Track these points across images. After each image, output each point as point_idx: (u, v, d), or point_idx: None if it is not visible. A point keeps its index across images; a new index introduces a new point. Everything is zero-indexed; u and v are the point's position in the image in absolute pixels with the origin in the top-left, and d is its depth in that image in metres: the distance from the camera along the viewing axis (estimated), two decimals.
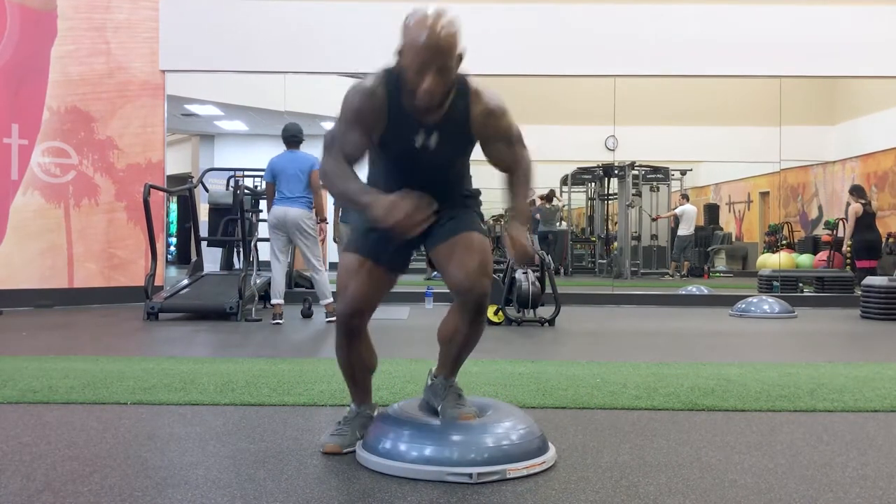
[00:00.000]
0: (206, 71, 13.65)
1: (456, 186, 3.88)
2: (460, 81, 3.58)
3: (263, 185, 10.40)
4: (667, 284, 18.36)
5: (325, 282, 9.97)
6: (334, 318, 9.77)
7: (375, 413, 4.00)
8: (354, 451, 3.77)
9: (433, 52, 3.32)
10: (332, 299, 9.96)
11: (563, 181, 21.09)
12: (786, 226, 19.61)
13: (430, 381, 3.99)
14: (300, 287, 12.16)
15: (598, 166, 19.63)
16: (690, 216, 19.41)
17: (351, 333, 3.77)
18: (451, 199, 3.80)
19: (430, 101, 3.43)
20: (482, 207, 4.04)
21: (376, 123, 3.59)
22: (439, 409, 3.80)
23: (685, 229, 19.30)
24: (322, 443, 3.89)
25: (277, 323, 9.84)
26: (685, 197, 19.90)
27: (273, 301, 10.04)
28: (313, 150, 10.08)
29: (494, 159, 3.79)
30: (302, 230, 9.71)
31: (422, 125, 3.57)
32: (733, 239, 21.17)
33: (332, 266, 10.87)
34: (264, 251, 11.69)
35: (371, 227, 3.63)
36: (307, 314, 10.45)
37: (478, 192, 3.92)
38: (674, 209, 19.97)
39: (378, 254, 3.74)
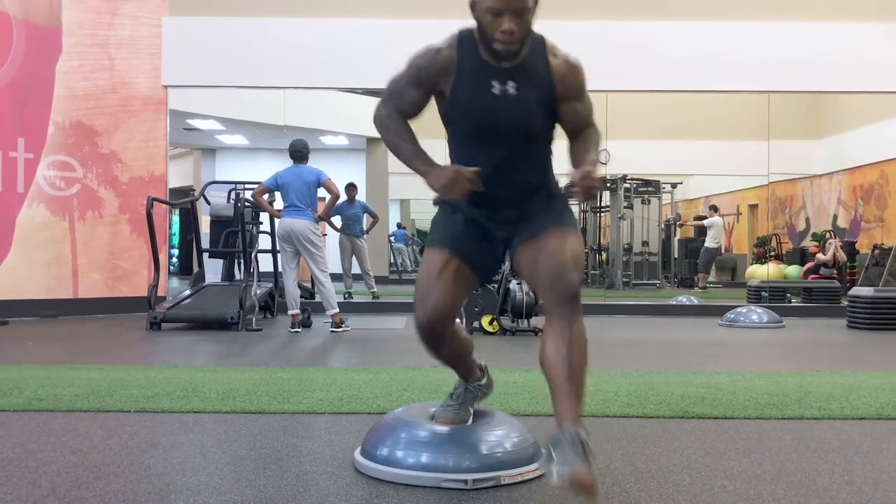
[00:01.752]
0: (208, 86, 13.67)
1: (543, 175, 3.55)
2: (537, 35, 3.42)
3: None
4: (658, 295, 18.35)
5: (331, 293, 10.00)
6: (339, 329, 9.87)
7: (485, 380, 3.95)
8: (467, 420, 3.75)
9: None
10: (337, 309, 10.02)
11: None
12: (774, 237, 19.62)
13: (551, 433, 3.16)
14: (301, 297, 12.19)
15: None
16: (719, 228, 19.33)
17: (434, 340, 3.53)
18: (537, 190, 3.52)
19: (510, 45, 3.25)
20: None
21: (440, 78, 3.41)
22: (553, 465, 3.01)
23: (713, 241, 19.15)
24: (434, 414, 3.76)
25: (296, 331, 9.88)
26: (714, 209, 19.80)
27: (290, 311, 10.05)
28: (315, 163, 10.15)
29: (570, 119, 3.52)
30: (308, 240, 9.75)
31: (498, 72, 3.36)
32: (722, 251, 21.19)
33: (336, 277, 10.93)
34: (265, 262, 11.72)
35: (455, 222, 3.53)
36: (306, 323, 10.45)
37: (564, 194, 3.56)
38: (702, 219, 19.94)
39: (464, 249, 3.51)
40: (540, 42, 3.44)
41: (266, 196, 10.23)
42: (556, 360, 3.26)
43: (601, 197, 20.51)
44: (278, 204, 10.32)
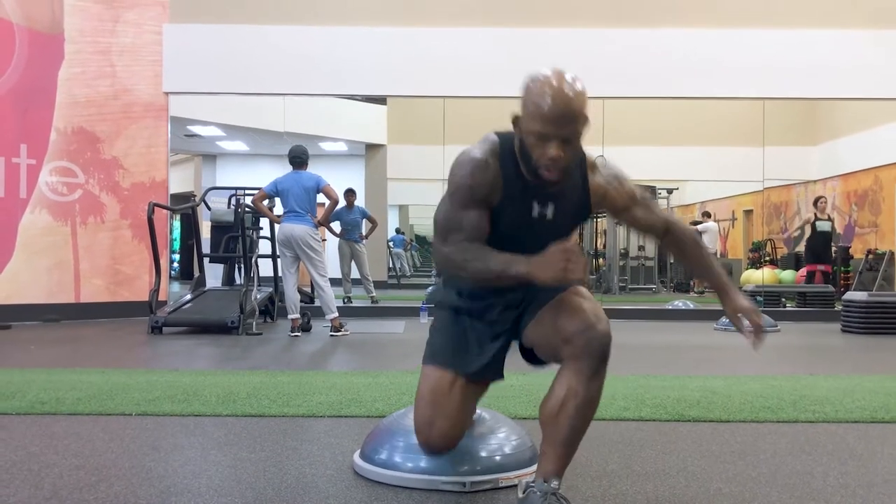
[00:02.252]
0: (209, 93, 13.67)
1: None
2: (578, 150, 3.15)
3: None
4: (654, 299, 18.35)
5: (331, 297, 10.02)
6: (339, 333, 9.88)
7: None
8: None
9: (562, 118, 2.92)
10: (336, 313, 10.03)
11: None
12: (769, 243, 19.62)
13: (521, 494, 3.08)
14: (300, 302, 12.19)
15: None
16: (713, 233, 19.30)
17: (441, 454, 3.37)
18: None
19: (556, 173, 2.99)
20: None
21: (492, 195, 3.11)
22: None
23: (708, 247, 19.12)
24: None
25: (295, 335, 9.89)
26: (707, 214, 19.79)
27: (290, 316, 10.06)
28: (314, 168, 10.15)
29: (641, 227, 3.41)
30: (308, 245, 9.77)
31: (537, 193, 3.13)
32: (718, 256, 21.16)
33: (335, 282, 10.92)
34: (265, 267, 11.72)
35: (457, 334, 3.31)
36: (306, 328, 10.44)
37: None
38: (697, 224, 19.93)
39: (468, 363, 3.29)
40: (581, 159, 3.22)
41: (266, 202, 10.24)
42: (559, 418, 3.06)
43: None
44: (278, 209, 10.33)
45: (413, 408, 3.41)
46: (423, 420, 3.30)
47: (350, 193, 14.70)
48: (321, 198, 10.05)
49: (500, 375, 3.42)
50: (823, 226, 15.48)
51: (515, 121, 3.05)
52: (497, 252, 3.04)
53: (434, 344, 3.42)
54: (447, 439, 3.29)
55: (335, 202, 10.18)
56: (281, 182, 9.92)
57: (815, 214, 15.49)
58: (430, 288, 14.86)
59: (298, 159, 10.00)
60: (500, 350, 3.37)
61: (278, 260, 10.90)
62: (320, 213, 10.28)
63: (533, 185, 3.10)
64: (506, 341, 3.38)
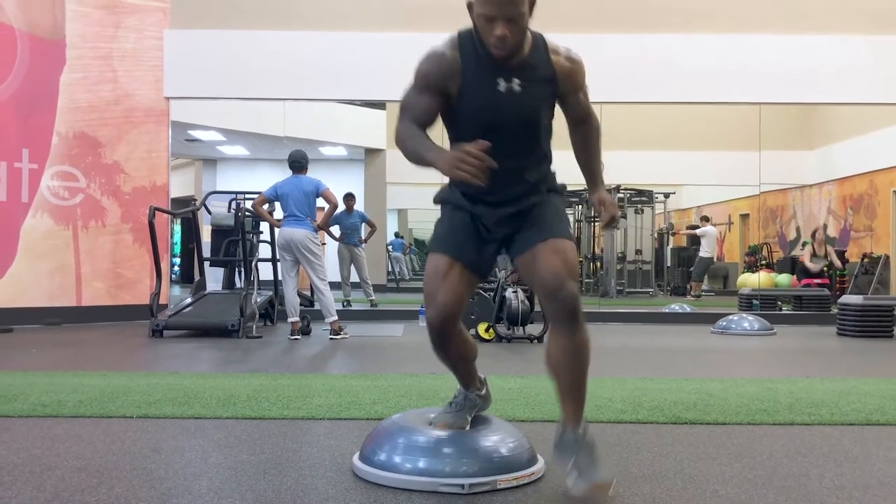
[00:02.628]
0: (209, 98, 13.67)
1: (544, 165, 3.67)
2: (537, 34, 3.52)
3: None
4: (651, 303, 18.37)
5: (330, 300, 10.02)
6: (338, 336, 9.89)
7: (484, 391, 3.96)
8: (466, 426, 3.75)
9: (503, 1, 3.23)
10: (335, 317, 10.03)
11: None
12: (765, 247, 19.61)
13: (558, 434, 3.41)
14: (300, 305, 12.19)
15: (585, 190, 19.60)
16: (712, 237, 19.30)
17: (443, 337, 3.58)
18: (538, 184, 3.61)
19: (503, 50, 3.31)
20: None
21: (448, 81, 3.44)
22: (571, 475, 3.25)
23: (707, 251, 19.14)
24: (433, 420, 3.76)
25: (295, 338, 9.90)
26: (705, 219, 19.79)
27: (290, 319, 10.07)
28: (314, 173, 10.16)
29: (573, 110, 3.71)
30: (308, 249, 9.78)
31: (502, 71, 3.41)
32: (715, 259, 21.17)
33: (335, 285, 10.93)
34: (265, 271, 11.73)
35: (455, 227, 3.61)
36: (305, 331, 10.44)
37: (564, 187, 3.72)
38: (695, 228, 19.93)
39: (465, 254, 3.57)
40: (540, 40, 3.53)
41: (266, 206, 10.25)
42: (560, 370, 3.41)
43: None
44: (278, 214, 10.34)
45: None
46: (429, 292, 3.55)
47: (349, 198, 14.71)
48: (321, 202, 10.06)
49: (486, 276, 3.86)
50: (815, 268, 15.68)
51: (469, 7, 3.36)
52: (426, 139, 3.40)
53: (438, 234, 3.71)
54: (448, 306, 3.50)
55: (334, 206, 10.18)
56: (281, 186, 9.93)
57: (813, 248, 15.58)
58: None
59: (298, 164, 10.01)
60: (491, 254, 3.67)
61: (278, 264, 10.90)
62: (320, 217, 10.29)
63: (496, 63, 3.40)
64: (496, 249, 3.67)
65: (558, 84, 3.55)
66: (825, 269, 16.16)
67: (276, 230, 10.45)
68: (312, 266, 9.89)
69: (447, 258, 3.56)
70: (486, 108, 3.45)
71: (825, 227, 18.09)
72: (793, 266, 17.96)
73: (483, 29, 3.31)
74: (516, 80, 3.43)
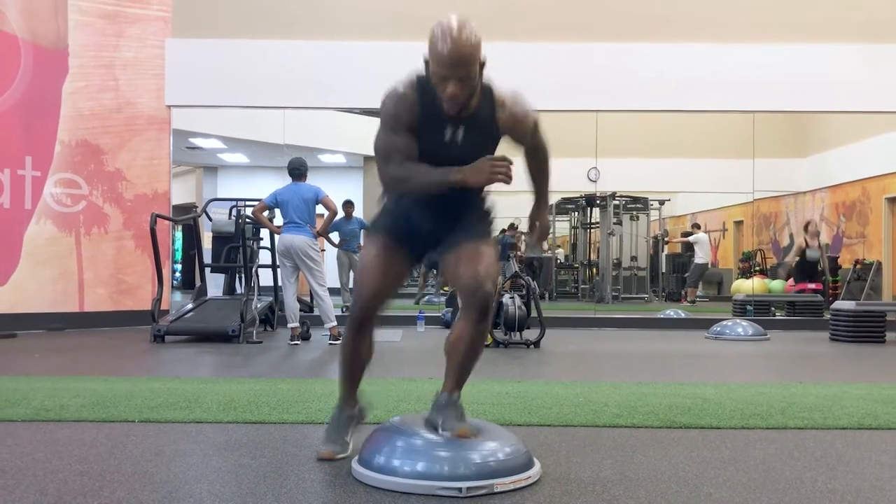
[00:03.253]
0: (210, 106, 13.68)
1: (476, 195, 3.88)
2: (486, 86, 3.70)
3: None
4: (646, 308, 18.37)
5: (329, 306, 10.02)
6: (337, 341, 9.89)
7: (358, 411, 4.22)
8: (348, 457, 3.88)
9: (455, 62, 3.42)
10: (335, 322, 10.02)
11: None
12: (759, 253, 19.62)
13: (434, 399, 3.84)
14: (300, 311, 12.19)
15: (581, 197, 19.66)
16: (705, 243, 19.30)
17: (363, 325, 3.90)
18: (470, 208, 3.85)
19: (454, 106, 3.53)
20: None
21: (412, 121, 3.64)
22: (439, 424, 3.69)
23: (701, 257, 19.14)
24: (317, 450, 3.97)
25: (295, 344, 9.90)
26: (697, 226, 19.81)
27: (290, 324, 10.08)
28: (313, 180, 10.16)
29: (519, 145, 3.91)
30: (307, 256, 9.79)
31: (450, 121, 3.64)
32: (709, 266, 21.17)
33: (334, 291, 10.93)
34: (265, 277, 11.72)
35: (398, 215, 3.84)
36: (305, 336, 10.44)
37: (490, 211, 3.92)
38: (689, 235, 19.94)
39: (401, 235, 3.83)
40: (489, 93, 3.72)
41: (266, 213, 10.25)
42: (455, 349, 3.76)
43: (591, 213, 20.55)
44: (278, 220, 10.34)
45: None
46: (358, 277, 3.93)
47: (348, 205, 14.71)
48: (320, 209, 10.06)
49: (421, 258, 3.99)
50: (813, 254, 15.53)
51: (426, 62, 3.57)
52: (435, 169, 3.60)
53: (375, 221, 3.99)
54: (373, 294, 3.84)
55: (334, 213, 10.20)
56: (281, 194, 9.94)
57: (806, 241, 15.53)
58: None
59: (297, 171, 10.02)
60: (427, 237, 3.85)
61: (278, 270, 10.90)
62: (319, 224, 10.30)
63: (444, 113, 3.61)
64: (433, 238, 3.84)
65: (500, 135, 3.79)
66: (821, 263, 16.15)
67: (276, 237, 10.44)
68: (312, 272, 9.90)
69: (380, 238, 3.89)
70: (431, 151, 3.67)
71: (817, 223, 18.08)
72: (787, 272, 17.97)
73: (437, 85, 3.52)
74: (461, 131, 3.68)
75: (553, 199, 4.04)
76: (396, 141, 3.65)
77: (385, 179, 3.73)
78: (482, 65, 3.56)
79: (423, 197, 3.72)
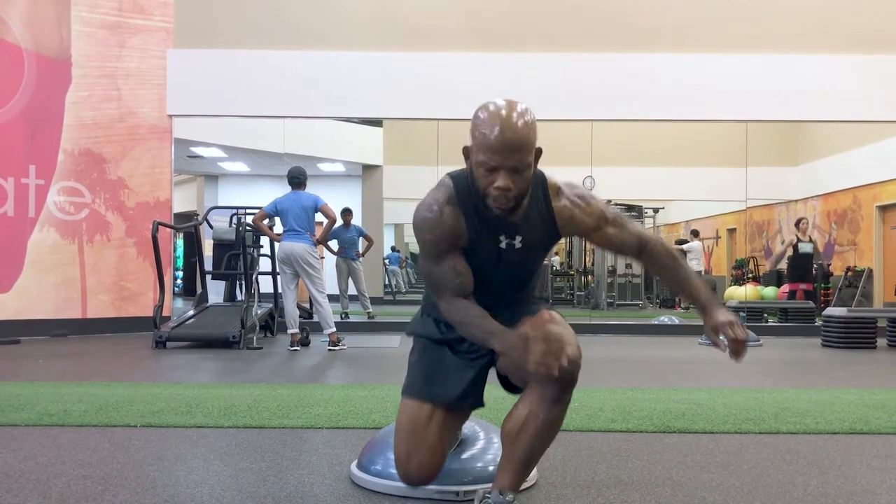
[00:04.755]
0: (211, 115, 13.66)
1: (532, 287, 3.38)
2: (538, 176, 3.11)
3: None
4: (640, 315, 18.36)
5: (329, 312, 10.03)
6: (336, 347, 9.89)
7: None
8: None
9: (508, 150, 2.83)
10: (334, 329, 10.05)
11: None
12: (751, 260, 19.63)
13: (484, 496, 3.11)
14: (299, 317, 12.19)
15: None
16: (698, 251, 19.30)
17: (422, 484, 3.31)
18: (525, 301, 3.28)
19: (504, 203, 2.92)
20: None
21: (458, 239, 3.08)
22: None
23: (694, 265, 19.12)
24: None
25: (295, 350, 9.90)
26: (695, 233, 19.82)
27: (289, 331, 10.08)
28: (313, 189, 10.16)
29: (614, 246, 3.25)
30: (307, 263, 9.80)
31: (506, 226, 3.07)
32: (703, 273, 21.17)
33: (333, 298, 10.93)
34: (265, 284, 11.73)
35: (432, 362, 3.29)
36: (305, 342, 10.44)
37: (546, 299, 3.38)
38: (683, 243, 19.93)
39: (446, 392, 3.25)
40: (542, 183, 3.14)
41: (266, 221, 10.25)
42: (523, 437, 3.04)
43: None
44: (278, 228, 10.34)
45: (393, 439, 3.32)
46: (402, 453, 3.22)
47: (347, 213, 14.71)
48: (319, 217, 10.07)
49: (481, 402, 3.37)
50: (805, 247, 15.54)
51: (466, 152, 3.01)
52: (484, 320, 3.00)
53: (412, 374, 3.38)
54: (425, 470, 3.21)
55: (332, 220, 10.19)
56: (280, 202, 9.95)
57: (797, 236, 15.54)
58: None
59: (297, 179, 10.03)
60: (477, 376, 3.30)
61: (278, 277, 10.90)
62: (319, 231, 10.31)
63: (496, 218, 3.04)
64: (483, 366, 3.30)
65: (559, 231, 3.17)
66: (814, 259, 16.17)
67: (277, 244, 10.44)
68: (311, 279, 9.90)
69: (426, 406, 3.25)
70: (486, 264, 3.13)
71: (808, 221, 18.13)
72: (779, 279, 17.98)
73: (481, 178, 2.92)
74: (518, 237, 3.11)
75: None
76: (443, 271, 3.10)
77: (441, 312, 3.20)
78: (538, 154, 2.95)
79: (478, 300, 3.10)
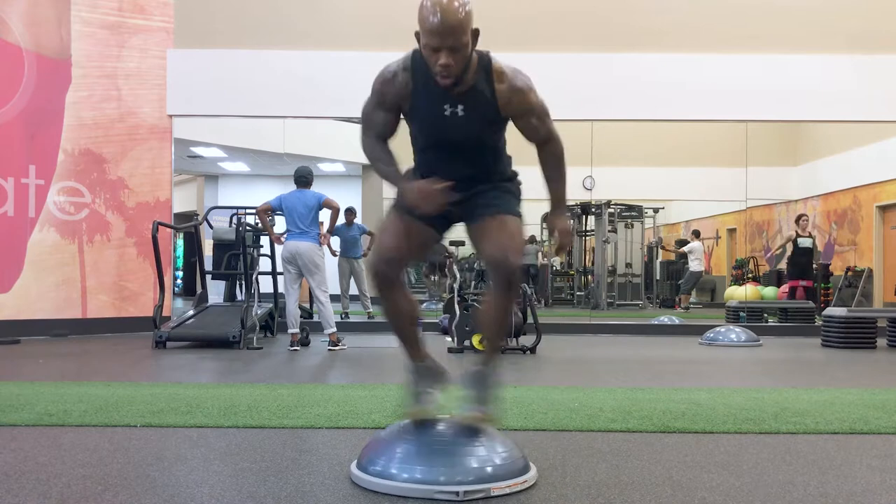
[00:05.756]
0: (211, 115, 13.67)
1: (493, 166, 3.83)
2: (484, 59, 3.61)
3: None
4: (641, 315, 18.36)
5: (330, 312, 10.04)
6: (336, 347, 9.89)
7: (432, 363, 4.03)
8: (442, 408, 3.90)
9: (444, 31, 3.33)
10: (334, 328, 10.06)
11: (544, 219, 21.07)
12: (751, 260, 19.64)
13: (469, 370, 3.87)
14: (300, 317, 12.19)
15: (577, 205, 19.65)
16: (699, 251, 19.32)
17: (385, 282, 3.72)
18: (488, 178, 3.80)
19: (446, 77, 3.45)
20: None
21: (401, 101, 3.68)
22: (465, 399, 3.78)
23: (696, 265, 19.14)
24: (407, 411, 3.88)
25: (295, 349, 9.91)
26: (696, 233, 19.84)
27: (290, 330, 10.08)
28: (313, 188, 10.16)
29: (527, 133, 3.77)
30: (313, 262, 9.82)
31: (448, 97, 3.59)
32: (703, 273, 21.19)
33: (334, 298, 10.94)
34: (265, 284, 11.73)
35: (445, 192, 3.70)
36: (305, 342, 10.44)
37: (515, 174, 3.88)
38: (685, 244, 19.94)
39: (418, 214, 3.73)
40: (486, 66, 3.62)
41: (269, 218, 10.24)
42: (487, 319, 3.75)
43: (586, 221, 20.55)
44: (280, 228, 10.33)
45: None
46: (376, 244, 3.82)
47: (350, 212, 14.72)
48: (321, 216, 10.09)
49: (442, 227, 3.90)
50: (805, 242, 15.53)
51: (417, 36, 3.49)
52: (392, 162, 3.75)
53: (395, 202, 3.84)
54: (390, 251, 3.70)
55: (337, 210, 10.21)
56: (286, 199, 9.95)
57: (797, 231, 15.54)
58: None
59: (304, 179, 10.05)
60: (445, 212, 3.76)
61: (279, 277, 10.90)
62: (323, 229, 10.33)
63: (443, 90, 3.56)
64: (453, 212, 3.78)
65: (499, 110, 3.65)
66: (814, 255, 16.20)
67: (279, 244, 10.41)
68: (316, 278, 9.91)
69: (397, 214, 3.77)
70: (433, 129, 3.70)
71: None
72: (779, 279, 17.99)
73: (428, 58, 3.46)
74: (460, 107, 3.61)
75: (549, 207, 3.91)
76: (375, 117, 3.79)
77: (361, 145, 3.88)
78: (475, 34, 3.48)
79: (439, 166, 3.71)
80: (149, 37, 12.59)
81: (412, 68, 3.63)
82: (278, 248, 10.53)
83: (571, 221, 4.04)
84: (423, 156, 3.85)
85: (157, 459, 4.11)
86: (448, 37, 3.35)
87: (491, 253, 3.57)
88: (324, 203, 9.98)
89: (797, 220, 16.02)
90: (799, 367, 9.46)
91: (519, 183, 3.93)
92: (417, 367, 3.99)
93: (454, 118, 3.62)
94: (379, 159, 3.78)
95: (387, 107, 3.74)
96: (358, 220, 15.37)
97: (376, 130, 3.81)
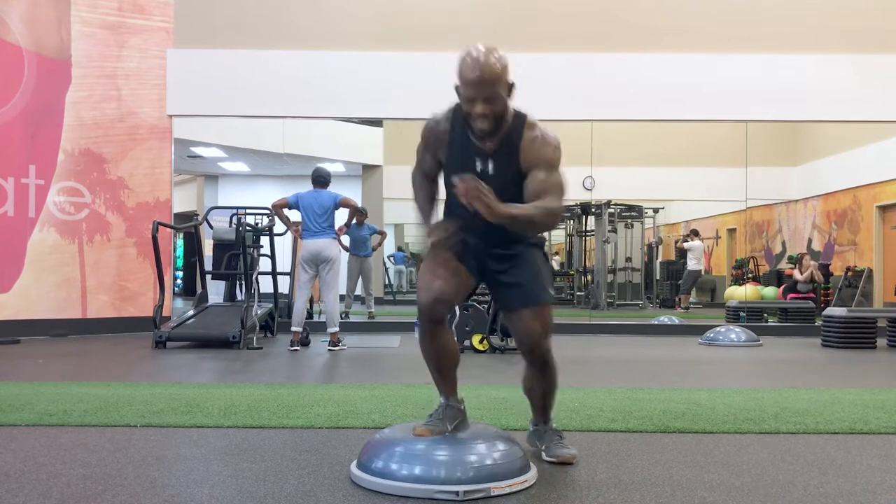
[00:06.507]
0: (211, 116, 13.65)
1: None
2: (519, 115, 3.78)
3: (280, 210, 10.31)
4: (641, 315, 18.35)
5: (336, 312, 10.05)
6: (336, 347, 9.89)
7: (463, 406, 3.96)
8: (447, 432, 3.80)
9: (481, 82, 3.55)
10: (338, 328, 10.04)
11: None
12: (751, 260, 19.64)
13: (531, 428, 4.34)
14: None
15: (577, 205, 19.64)
16: (698, 250, 19.30)
17: (436, 320, 3.78)
18: (519, 238, 3.90)
19: (483, 127, 3.64)
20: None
21: (440, 149, 3.90)
22: (543, 449, 4.17)
23: (694, 264, 19.13)
24: (414, 426, 3.82)
25: (295, 349, 9.91)
26: (694, 233, 19.83)
27: (293, 328, 10.08)
28: (310, 188, 10.15)
29: (529, 185, 3.71)
30: (330, 261, 9.83)
31: (482, 152, 3.76)
32: (703, 272, 21.18)
33: (339, 297, 10.95)
34: (265, 284, 11.73)
35: (454, 233, 3.83)
36: (304, 342, 10.44)
37: (544, 241, 4.05)
38: (682, 243, 19.94)
39: (462, 254, 3.86)
40: (521, 120, 3.78)
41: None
42: (533, 393, 4.19)
43: (586, 221, 20.55)
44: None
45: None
46: (424, 283, 3.78)
47: (360, 213, 14.75)
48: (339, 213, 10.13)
49: (478, 281, 4.01)
50: (803, 288, 15.76)
51: (456, 89, 3.69)
52: (427, 204, 4.04)
53: (436, 242, 3.89)
54: (441, 292, 3.72)
55: (355, 207, 10.28)
56: (303, 197, 9.95)
57: (800, 272, 15.69)
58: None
59: (322, 179, 10.07)
60: (480, 266, 3.94)
61: (279, 277, 10.91)
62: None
63: (476, 146, 3.77)
64: (480, 270, 3.95)
65: (520, 158, 3.75)
66: (812, 284, 16.33)
67: (300, 242, 10.40)
68: (331, 275, 9.93)
69: (445, 253, 3.84)
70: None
71: (809, 246, 18.18)
72: (779, 279, 17.99)
73: (466, 107, 3.67)
74: (491, 164, 3.78)
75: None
76: (422, 156, 4.05)
77: (411, 177, 4.14)
78: (511, 87, 3.66)
79: (466, 215, 3.72)
80: (149, 37, 12.59)
81: (451, 119, 3.83)
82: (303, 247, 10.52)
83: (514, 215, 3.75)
84: (452, 199, 3.79)
85: (157, 459, 4.12)
86: (485, 87, 3.56)
87: (522, 339, 3.87)
88: (340, 202, 10.00)
89: (799, 261, 16.18)
90: (799, 367, 9.45)
91: (545, 247, 4.10)
92: (448, 403, 3.93)
93: (484, 176, 3.67)
94: (417, 196, 4.08)
95: (430, 150, 3.98)
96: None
97: (423, 168, 4.06)
